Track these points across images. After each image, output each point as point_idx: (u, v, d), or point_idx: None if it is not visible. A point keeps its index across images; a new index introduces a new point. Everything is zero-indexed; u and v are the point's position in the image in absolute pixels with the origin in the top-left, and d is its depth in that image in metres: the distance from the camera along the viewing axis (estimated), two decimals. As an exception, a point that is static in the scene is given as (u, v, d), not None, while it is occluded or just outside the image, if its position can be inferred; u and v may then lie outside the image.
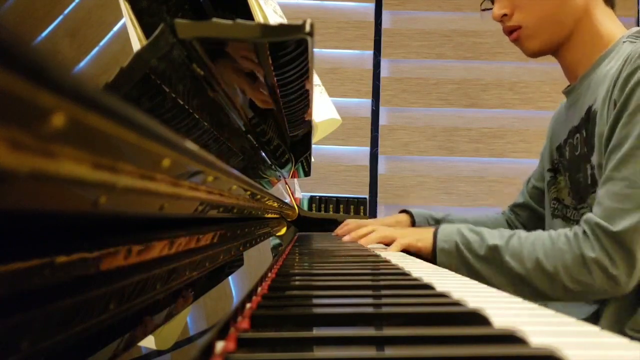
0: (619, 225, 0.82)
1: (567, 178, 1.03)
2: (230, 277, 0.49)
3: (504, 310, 0.38)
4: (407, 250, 1.00)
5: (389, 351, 0.26)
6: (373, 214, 2.70)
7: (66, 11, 0.38)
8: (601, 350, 0.27)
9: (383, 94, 2.79)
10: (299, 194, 1.95)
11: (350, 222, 1.22)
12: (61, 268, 0.19)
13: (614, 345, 0.28)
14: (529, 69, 2.74)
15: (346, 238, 1.09)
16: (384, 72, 2.81)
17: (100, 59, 0.39)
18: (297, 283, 0.50)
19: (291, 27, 0.40)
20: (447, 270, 0.69)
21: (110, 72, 0.37)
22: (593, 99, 0.93)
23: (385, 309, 0.35)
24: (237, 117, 0.63)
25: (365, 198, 2.69)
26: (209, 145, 0.53)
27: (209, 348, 0.23)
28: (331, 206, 2.54)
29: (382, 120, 2.80)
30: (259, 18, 0.78)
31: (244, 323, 0.29)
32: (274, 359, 0.25)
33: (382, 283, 0.51)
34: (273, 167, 1.04)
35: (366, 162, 2.78)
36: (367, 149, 2.78)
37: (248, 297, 0.36)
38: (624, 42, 0.93)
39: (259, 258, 0.69)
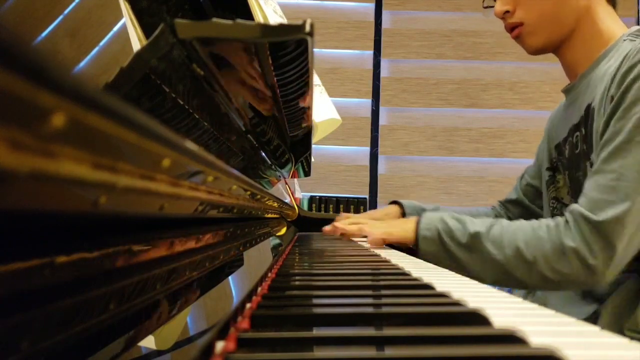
0: (601, 216, 0.83)
1: (566, 177, 1.03)
2: (230, 277, 0.49)
3: (504, 310, 0.38)
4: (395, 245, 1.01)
5: (389, 351, 0.26)
6: (373, 214, 2.70)
7: (66, 11, 0.38)
8: (601, 350, 0.27)
9: (383, 94, 2.79)
10: (299, 194, 1.95)
11: (339, 218, 1.22)
12: (61, 268, 0.19)
13: (614, 345, 0.28)
14: (529, 69, 2.74)
15: (326, 228, 1.10)
16: (384, 72, 2.81)
17: (100, 59, 0.39)
18: (297, 283, 0.50)
19: (291, 27, 0.40)
20: (447, 270, 0.69)
21: (110, 72, 0.37)
22: (592, 97, 0.93)
23: (385, 309, 0.35)
24: (237, 117, 0.63)
25: (365, 198, 2.69)
26: (209, 145, 0.53)
27: (209, 348, 0.23)
28: (331, 206, 2.54)
29: (382, 120, 2.80)
30: (259, 18, 0.78)
31: (244, 323, 0.29)
32: (274, 359, 0.25)
33: (382, 283, 0.51)
34: (273, 167, 1.04)
35: (366, 162, 2.78)
36: (367, 149, 2.78)
37: (248, 297, 0.36)
38: (624, 40, 0.93)
39: (259, 258, 0.69)
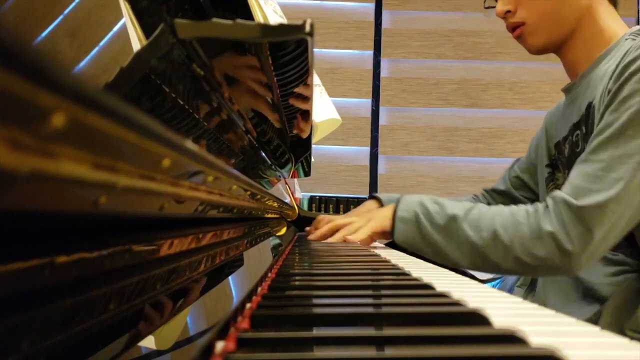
0: (583, 201, 0.83)
1: (566, 175, 1.03)
2: (230, 277, 0.49)
3: (504, 310, 0.38)
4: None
5: (389, 351, 0.26)
6: (373, 214, 2.70)
7: (66, 11, 0.38)
8: (601, 350, 0.27)
9: (383, 94, 2.79)
10: (299, 194, 1.95)
11: (318, 222, 1.18)
12: (61, 268, 0.19)
13: (614, 345, 0.28)
14: (529, 69, 2.74)
15: (311, 237, 1.10)
16: (384, 72, 2.81)
17: (100, 59, 0.39)
18: (297, 283, 0.50)
19: (291, 27, 0.40)
20: (447, 270, 0.69)
21: (110, 72, 0.37)
22: (593, 95, 0.93)
23: (385, 309, 0.35)
24: (237, 117, 0.63)
25: (365, 198, 2.69)
26: (209, 145, 0.53)
27: (209, 348, 0.23)
28: (331, 206, 2.54)
29: (382, 120, 2.80)
30: (259, 18, 0.78)
31: (244, 323, 0.29)
32: (274, 359, 0.25)
33: (382, 283, 0.51)
34: (273, 167, 1.04)
35: (366, 162, 2.78)
36: (367, 149, 2.78)
37: (248, 297, 0.36)
38: (625, 39, 0.93)
39: (259, 258, 0.69)
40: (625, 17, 2.75)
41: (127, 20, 0.42)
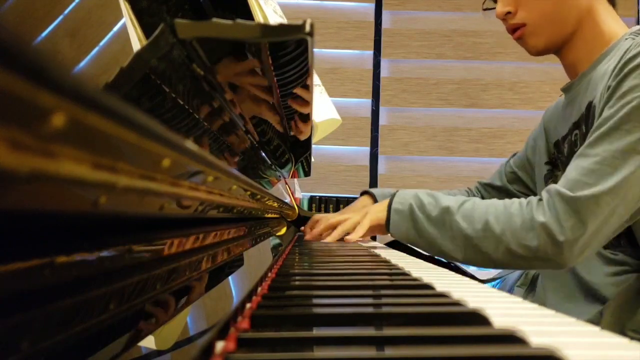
0: (577, 193, 0.83)
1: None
2: (230, 277, 0.49)
3: (504, 310, 0.38)
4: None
5: (389, 351, 0.26)
6: (373, 214, 2.70)
7: (66, 11, 0.38)
8: (601, 350, 0.27)
9: (383, 94, 2.79)
10: (299, 194, 1.95)
11: (315, 220, 1.17)
12: (61, 268, 0.19)
13: (614, 345, 0.28)
14: (529, 69, 2.74)
15: (307, 237, 1.10)
16: (384, 72, 2.81)
17: (100, 59, 0.39)
18: (297, 283, 0.50)
19: (291, 27, 0.40)
20: (447, 270, 0.69)
21: (110, 72, 0.37)
22: (594, 95, 0.93)
23: (385, 309, 0.35)
24: (237, 117, 0.63)
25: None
26: (209, 145, 0.53)
27: (209, 348, 0.23)
28: (331, 206, 2.54)
29: (382, 120, 2.80)
30: (259, 18, 0.78)
31: (244, 323, 0.29)
32: (274, 359, 0.25)
33: (382, 283, 0.51)
34: (273, 167, 1.04)
35: (366, 162, 2.78)
36: (367, 149, 2.78)
37: (248, 297, 0.36)
38: (625, 39, 0.93)
39: (259, 258, 0.69)
40: (625, 17, 2.75)
41: (127, 20, 0.42)
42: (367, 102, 2.79)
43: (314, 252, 0.84)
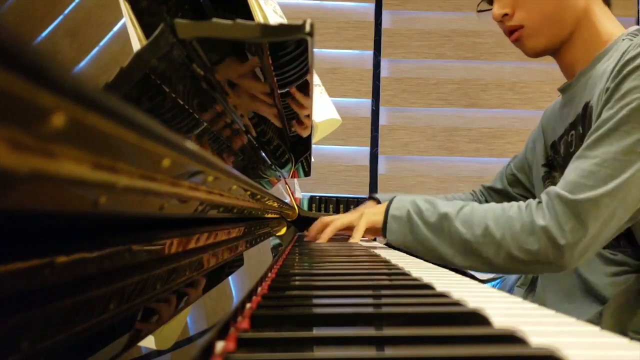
0: (577, 195, 0.82)
1: (562, 175, 1.03)
2: (230, 277, 0.49)
3: (504, 310, 0.38)
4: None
5: (389, 351, 0.26)
6: (373, 214, 2.70)
7: (66, 11, 0.38)
8: (601, 350, 0.27)
9: (383, 94, 2.79)
10: (299, 194, 1.95)
11: (322, 224, 1.16)
12: (61, 268, 0.19)
13: (614, 345, 0.28)
14: (529, 69, 2.74)
15: (307, 238, 1.10)
16: (384, 72, 2.81)
17: (100, 59, 0.39)
18: (297, 283, 0.50)
19: (291, 27, 0.40)
20: (447, 270, 0.69)
21: (110, 72, 0.37)
22: (591, 95, 0.93)
23: (385, 309, 0.35)
24: (237, 117, 0.63)
25: (366, 198, 2.69)
26: (209, 145, 0.53)
27: (209, 348, 0.23)
28: (331, 206, 2.54)
29: (382, 120, 2.80)
30: (259, 18, 0.78)
31: (244, 323, 0.29)
32: (274, 359, 0.25)
33: (382, 283, 0.51)
34: (273, 167, 1.04)
35: (366, 162, 2.78)
36: (367, 149, 2.78)
37: (248, 297, 0.36)
38: (623, 39, 0.93)
39: (259, 258, 0.69)
40: (625, 18, 2.75)
41: (127, 20, 0.42)
42: (367, 102, 2.79)
43: (314, 252, 0.84)
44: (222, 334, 0.26)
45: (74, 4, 0.39)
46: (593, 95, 0.92)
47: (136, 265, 0.26)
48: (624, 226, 0.87)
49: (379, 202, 1.23)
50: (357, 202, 2.53)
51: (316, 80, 1.46)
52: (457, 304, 0.35)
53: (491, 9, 1.02)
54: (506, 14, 0.98)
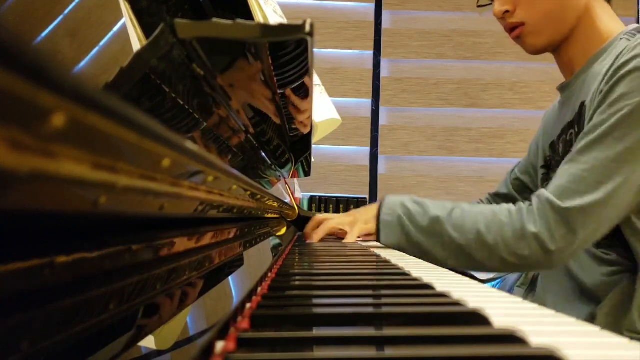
0: (567, 203, 0.84)
1: None
2: (230, 277, 0.49)
3: (504, 310, 0.38)
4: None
5: (389, 351, 0.26)
6: (373, 214, 2.70)
7: (66, 11, 0.38)
8: (601, 350, 0.27)
9: (383, 94, 2.79)
10: (299, 194, 1.95)
11: (314, 220, 1.16)
12: (61, 268, 0.19)
13: (614, 345, 0.28)
14: (529, 69, 2.74)
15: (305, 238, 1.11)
16: (384, 72, 2.81)
17: (100, 59, 0.39)
18: (297, 283, 0.50)
19: (291, 27, 0.40)
20: (447, 270, 0.69)
21: (110, 72, 0.37)
22: (586, 95, 0.93)
23: (385, 309, 0.35)
24: (237, 117, 0.63)
25: (365, 198, 2.69)
26: (209, 145, 0.53)
27: (209, 348, 0.23)
28: (331, 206, 2.54)
29: (382, 120, 2.80)
30: (259, 18, 0.78)
31: (244, 323, 0.29)
32: (274, 359, 0.25)
33: (382, 283, 0.51)
34: (273, 167, 1.04)
35: (366, 162, 2.78)
36: (367, 149, 2.78)
37: (248, 297, 0.36)
38: (621, 39, 0.93)
39: (259, 258, 0.69)
40: (625, 17, 2.75)
41: (127, 20, 0.42)
42: (367, 102, 2.79)
43: (314, 252, 0.84)
44: (222, 334, 0.26)
45: (74, 4, 0.39)
46: (588, 94, 0.92)
47: (136, 265, 0.26)
48: (614, 226, 0.88)
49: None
50: (357, 202, 2.53)
51: (316, 80, 1.46)
52: (457, 304, 0.35)
53: (491, 4, 1.02)
54: (507, 11, 0.98)
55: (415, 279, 0.50)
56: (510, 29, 0.99)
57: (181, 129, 0.44)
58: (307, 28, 0.39)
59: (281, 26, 0.42)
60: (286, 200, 1.21)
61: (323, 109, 1.53)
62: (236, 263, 0.55)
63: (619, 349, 0.27)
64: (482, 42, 2.78)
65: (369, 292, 0.44)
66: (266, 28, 0.43)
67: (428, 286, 0.44)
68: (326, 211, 2.51)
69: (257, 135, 0.76)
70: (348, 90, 2.78)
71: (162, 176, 0.22)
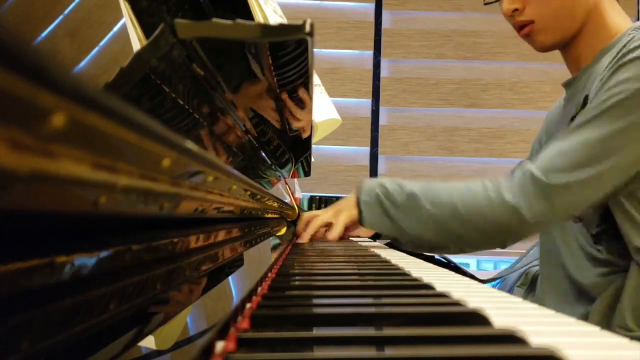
0: (551, 179, 0.85)
1: None
2: (230, 277, 0.49)
3: (504, 310, 0.38)
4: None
5: (389, 351, 0.26)
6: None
7: (66, 11, 0.38)
8: (601, 350, 0.27)
9: (383, 94, 2.79)
10: (299, 194, 1.95)
11: (302, 219, 1.15)
12: (61, 268, 0.19)
13: (614, 345, 0.28)
14: (529, 69, 2.74)
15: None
16: (384, 72, 2.81)
17: (100, 59, 0.39)
18: (297, 283, 0.50)
19: (291, 27, 0.40)
20: (447, 270, 0.69)
21: (110, 72, 0.37)
22: (590, 88, 0.93)
23: (385, 309, 0.35)
24: (237, 117, 0.62)
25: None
26: (209, 145, 0.53)
27: (209, 348, 0.23)
28: (331, 206, 2.54)
29: (382, 120, 2.80)
30: (259, 18, 0.78)
31: (244, 323, 0.29)
32: (274, 359, 0.25)
33: (382, 283, 0.51)
34: (273, 167, 1.04)
35: (366, 162, 2.78)
36: (367, 149, 2.78)
37: (248, 297, 0.36)
38: (628, 34, 0.92)
39: (259, 258, 0.69)
40: (625, 17, 2.73)
41: (127, 20, 0.42)
42: (367, 102, 2.79)
43: (314, 252, 0.84)
44: (222, 334, 0.26)
45: (74, 4, 0.39)
46: (592, 88, 0.92)
47: (136, 265, 0.26)
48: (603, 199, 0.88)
49: None
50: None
51: (316, 80, 1.46)
52: (457, 304, 0.35)
53: (498, 0, 1.01)
54: (516, 9, 0.96)
55: (415, 279, 0.50)
56: (520, 27, 0.98)
57: (181, 129, 0.44)
58: (307, 28, 0.39)
59: (281, 26, 0.42)
60: (286, 200, 1.21)
61: (323, 109, 1.53)
62: (236, 263, 0.55)
63: (619, 349, 0.27)
64: (482, 42, 2.77)
65: (369, 292, 0.44)
66: (266, 28, 0.43)
67: (428, 286, 0.44)
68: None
69: (257, 135, 0.76)
70: (348, 90, 2.78)
71: (162, 176, 0.22)
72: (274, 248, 0.84)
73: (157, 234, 0.30)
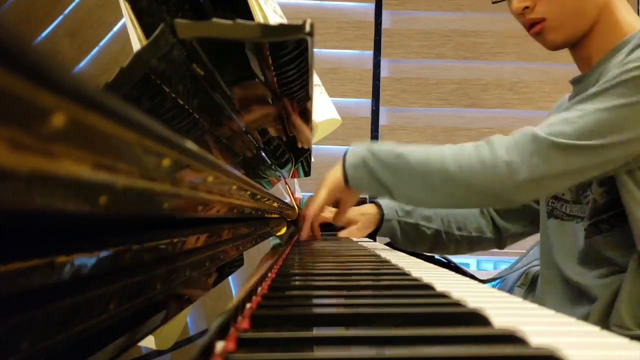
0: (551, 137, 0.83)
1: None
2: (230, 277, 0.49)
3: (504, 310, 0.38)
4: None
5: (389, 351, 0.26)
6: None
7: (66, 11, 0.38)
8: (601, 350, 0.27)
9: (383, 94, 2.79)
10: (299, 194, 1.95)
11: (300, 217, 1.14)
12: (61, 268, 0.19)
13: (614, 345, 0.28)
14: (529, 69, 2.74)
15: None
16: (384, 72, 2.81)
17: (100, 59, 0.39)
18: (297, 283, 0.50)
19: (291, 27, 0.40)
20: (447, 270, 0.69)
21: (110, 72, 0.37)
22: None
23: (385, 309, 0.35)
24: (237, 117, 0.62)
25: (366, 198, 2.69)
26: (209, 145, 0.53)
27: (209, 348, 0.23)
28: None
29: (382, 120, 2.80)
30: (259, 18, 0.78)
31: (244, 323, 0.29)
32: (274, 359, 0.25)
33: (382, 283, 0.51)
34: (273, 167, 1.04)
35: (366, 162, 2.78)
36: (367, 149, 2.78)
37: (248, 297, 0.36)
38: None
39: (259, 258, 0.69)
40: (625, 17, 2.73)
41: (127, 20, 0.42)
42: (367, 102, 2.79)
43: (314, 252, 0.84)
44: (222, 334, 0.26)
45: (74, 4, 0.39)
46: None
47: (136, 265, 0.26)
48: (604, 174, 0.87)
49: (379, 206, 1.23)
50: (357, 202, 2.52)
51: (316, 80, 1.46)
52: (457, 304, 0.35)
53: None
54: (527, 7, 0.95)
55: (415, 279, 0.50)
56: (530, 26, 0.97)
57: (181, 129, 0.44)
58: (307, 28, 0.39)
59: (281, 26, 0.42)
60: (286, 200, 1.21)
61: (323, 109, 1.53)
62: (236, 263, 0.55)
63: (619, 349, 0.27)
64: (482, 42, 2.77)
65: (369, 292, 0.44)
66: (266, 28, 0.43)
67: (428, 286, 0.44)
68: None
69: (257, 135, 0.76)
70: (348, 90, 2.78)
71: (162, 176, 0.22)
72: (274, 248, 0.84)
73: (157, 234, 0.30)
